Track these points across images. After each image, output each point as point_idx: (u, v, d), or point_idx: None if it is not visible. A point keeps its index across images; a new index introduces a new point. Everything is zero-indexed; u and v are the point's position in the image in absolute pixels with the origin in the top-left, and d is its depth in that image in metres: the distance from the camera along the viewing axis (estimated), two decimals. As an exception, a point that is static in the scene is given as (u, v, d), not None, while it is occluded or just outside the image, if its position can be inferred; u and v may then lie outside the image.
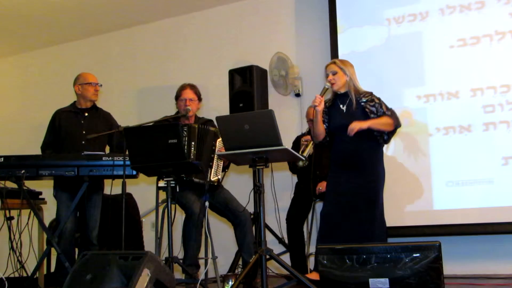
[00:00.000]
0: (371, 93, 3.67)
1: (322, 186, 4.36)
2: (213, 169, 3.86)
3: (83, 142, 4.14)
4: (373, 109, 3.59)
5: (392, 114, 3.60)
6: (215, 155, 3.88)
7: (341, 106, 3.67)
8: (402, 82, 4.77)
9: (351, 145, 3.56)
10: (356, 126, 3.47)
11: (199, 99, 4.16)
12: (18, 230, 3.92)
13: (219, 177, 3.91)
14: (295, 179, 4.81)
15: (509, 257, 4.38)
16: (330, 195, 3.70)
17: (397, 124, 3.61)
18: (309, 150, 4.13)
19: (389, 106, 3.65)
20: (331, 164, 3.77)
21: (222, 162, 3.92)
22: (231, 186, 4.34)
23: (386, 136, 3.61)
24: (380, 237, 3.55)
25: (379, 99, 3.63)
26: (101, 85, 4.32)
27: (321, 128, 3.66)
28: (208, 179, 3.81)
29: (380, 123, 3.54)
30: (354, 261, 2.81)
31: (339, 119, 3.64)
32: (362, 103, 3.61)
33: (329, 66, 3.71)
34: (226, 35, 5.92)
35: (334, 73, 3.65)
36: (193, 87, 4.14)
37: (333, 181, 3.70)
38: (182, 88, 4.13)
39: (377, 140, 3.60)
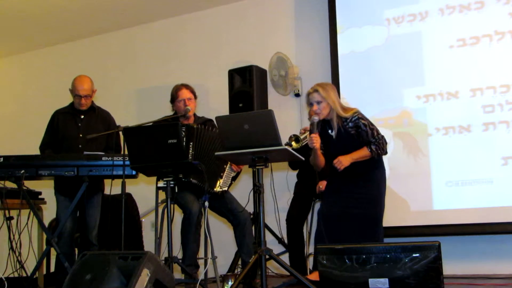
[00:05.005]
0: (357, 115, 3.54)
1: (322, 185, 4.36)
2: (222, 179, 3.86)
3: (80, 146, 4.13)
4: (360, 136, 3.54)
5: (377, 143, 3.52)
6: (227, 166, 3.88)
7: (329, 131, 3.63)
8: (402, 82, 4.77)
9: None
10: (342, 166, 3.48)
11: (195, 97, 4.15)
12: (17, 230, 3.92)
13: (226, 188, 3.90)
14: (294, 179, 4.80)
15: (509, 257, 4.38)
16: (328, 195, 3.71)
17: (377, 155, 3.55)
18: (305, 138, 4.11)
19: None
20: (329, 174, 3.77)
21: (232, 174, 3.93)
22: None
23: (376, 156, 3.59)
24: (378, 238, 3.55)
25: (366, 124, 3.53)
26: (86, 96, 4.18)
27: (321, 159, 3.61)
28: (215, 189, 3.81)
29: (360, 156, 3.53)
30: (353, 261, 2.81)
31: (331, 145, 3.61)
32: (349, 129, 3.55)
33: (312, 95, 3.57)
34: (226, 35, 5.92)
35: (319, 103, 3.54)
36: (188, 86, 4.13)
37: (332, 184, 3.71)
38: (178, 89, 4.10)
39: None
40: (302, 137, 4.09)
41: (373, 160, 3.59)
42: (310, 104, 3.60)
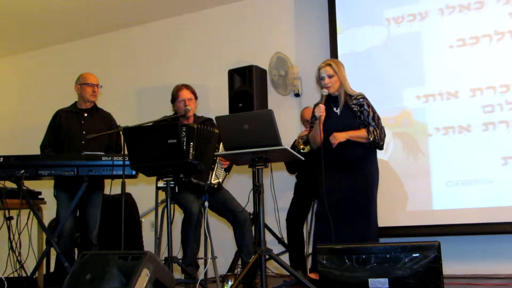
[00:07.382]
0: (362, 96, 3.67)
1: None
2: (214, 172, 3.86)
3: (83, 142, 4.14)
4: (361, 115, 3.62)
5: (375, 127, 3.59)
6: (217, 158, 3.88)
7: (334, 108, 3.68)
8: (402, 82, 4.77)
9: (344, 145, 3.56)
10: (336, 141, 3.53)
11: (196, 97, 4.16)
12: (17, 230, 3.92)
13: (220, 180, 3.91)
14: (294, 179, 4.81)
15: (508, 257, 4.38)
16: (324, 194, 3.71)
17: (373, 140, 3.56)
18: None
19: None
20: (324, 164, 3.77)
21: (223, 165, 3.92)
22: (231, 186, 4.34)
23: (373, 145, 3.62)
24: (373, 236, 3.55)
25: (369, 105, 3.64)
26: (101, 86, 4.32)
27: (321, 134, 3.63)
28: (209, 181, 3.81)
29: (357, 136, 3.59)
30: (353, 261, 2.81)
31: (333, 122, 3.64)
32: (353, 106, 3.63)
33: (324, 69, 3.68)
34: (226, 35, 5.92)
35: (331, 76, 3.64)
36: (188, 87, 4.13)
37: (327, 181, 3.71)
38: (179, 89, 4.11)
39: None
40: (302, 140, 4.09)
41: (368, 155, 3.62)
42: (320, 78, 3.68)
